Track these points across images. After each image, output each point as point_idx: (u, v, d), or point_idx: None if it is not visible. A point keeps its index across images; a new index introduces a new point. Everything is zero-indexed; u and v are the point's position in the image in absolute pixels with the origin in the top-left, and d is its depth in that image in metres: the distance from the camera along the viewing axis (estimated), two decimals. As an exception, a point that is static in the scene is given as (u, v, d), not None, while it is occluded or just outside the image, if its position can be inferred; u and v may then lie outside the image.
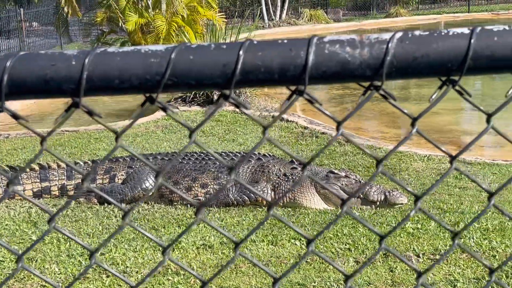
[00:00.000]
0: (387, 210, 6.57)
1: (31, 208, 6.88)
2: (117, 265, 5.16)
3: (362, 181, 7.13)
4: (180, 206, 6.91)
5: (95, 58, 1.00)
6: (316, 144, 9.96)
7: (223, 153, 7.59)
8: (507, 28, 1.01)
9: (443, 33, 1.01)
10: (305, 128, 11.07)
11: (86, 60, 0.99)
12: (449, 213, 6.23)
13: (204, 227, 6.03)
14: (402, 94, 15.58)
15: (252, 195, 6.94)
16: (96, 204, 7.15)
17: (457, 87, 1.03)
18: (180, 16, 16.43)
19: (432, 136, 11.28)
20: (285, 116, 12.28)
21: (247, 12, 25.55)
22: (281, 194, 7.00)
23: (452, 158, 1.14)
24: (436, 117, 11.96)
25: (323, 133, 10.63)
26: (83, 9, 19.24)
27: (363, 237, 5.51)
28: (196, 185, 7.19)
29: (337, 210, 6.67)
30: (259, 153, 7.67)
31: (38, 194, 7.58)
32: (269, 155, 7.63)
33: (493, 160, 8.91)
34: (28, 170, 7.62)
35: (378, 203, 6.77)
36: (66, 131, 10.95)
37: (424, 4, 34.83)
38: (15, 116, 1.00)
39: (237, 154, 7.54)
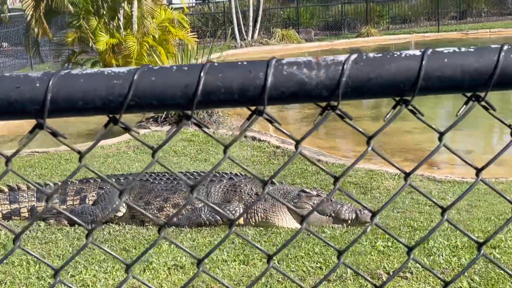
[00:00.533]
0: (359, 229, 6.62)
1: (0, 230, 6.81)
2: (88, 287, 5.13)
3: (333, 199, 7.18)
4: (151, 227, 6.89)
5: (59, 80, 1.02)
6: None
7: (195, 173, 7.59)
8: (456, 50, 1.06)
9: (395, 55, 1.05)
10: (277, 147, 11.13)
11: (50, 82, 1.02)
12: (419, 231, 6.30)
13: (174, 247, 6.02)
14: (373, 113, 15.73)
15: (225, 214, 6.95)
16: (67, 226, 7.10)
17: (410, 107, 1.07)
18: (152, 36, 16.46)
19: (404, 155, 11.40)
20: (257, 135, 12.33)
21: (219, 32, 25.64)
22: (253, 214, 7.01)
23: (406, 175, 1.17)
24: (407, 136, 12.09)
25: (294, 152, 10.68)
26: (53, 30, 19.17)
27: (334, 255, 5.54)
28: (168, 205, 7.18)
29: (309, 228, 6.69)
30: (231, 173, 7.68)
31: (8, 216, 7.51)
32: (241, 174, 7.65)
33: (462, 178, 9.02)
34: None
35: (349, 221, 6.82)
36: (36, 152, 10.87)
37: (394, 24, 35.25)
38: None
39: (204, 172, 7.55)
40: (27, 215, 7.53)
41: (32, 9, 16.43)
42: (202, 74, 1.04)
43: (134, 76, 1.03)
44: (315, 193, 7.13)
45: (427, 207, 7.47)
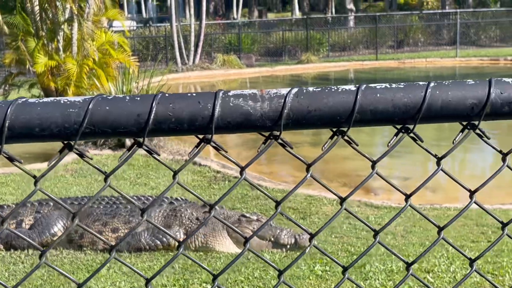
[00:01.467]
0: (297, 253, 6.72)
1: None
2: (25, 312, 5.06)
3: (273, 224, 7.27)
4: (89, 252, 6.83)
5: (17, 108, 1.08)
6: (228, 187, 10.06)
7: (135, 197, 7.58)
8: (388, 86, 1.16)
9: (333, 90, 1.14)
10: (218, 172, 11.18)
11: (8, 110, 1.07)
12: (356, 255, 6.43)
13: (114, 272, 5.99)
14: (312, 139, 15.97)
15: (165, 239, 6.95)
16: (2, 250, 6.97)
17: (346, 137, 1.16)
18: (92, 59, 16.36)
19: (343, 180, 11.61)
20: (198, 160, 12.37)
21: (160, 56, 25.63)
22: (194, 238, 7.04)
23: (342, 200, 1.26)
24: (346, 162, 12.33)
25: (235, 177, 10.76)
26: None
27: (273, 280, 5.62)
28: (107, 229, 7.13)
29: (248, 253, 6.76)
30: (171, 197, 7.69)
31: None
32: (182, 199, 7.67)
33: (399, 204, 9.26)
34: None
35: (288, 246, 6.92)
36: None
37: (334, 51, 35.94)
38: None
39: (149, 197, 7.55)
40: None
41: (-32, 29, 16.15)
42: (154, 104, 1.11)
43: (89, 105, 1.09)
44: (255, 217, 7.20)
45: (364, 232, 7.63)
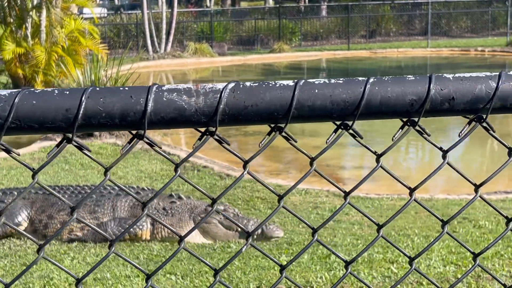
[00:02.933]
0: (264, 243, 6.70)
1: None
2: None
3: (240, 214, 7.25)
4: (54, 242, 6.75)
5: None
6: (197, 177, 10.01)
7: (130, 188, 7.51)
8: (327, 81, 1.13)
9: (270, 85, 1.11)
10: (187, 161, 11.12)
11: None
12: (322, 246, 6.44)
13: (78, 263, 5.93)
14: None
15: (132, 229, 6.89)
16: (-35, 240, 6.87)
17: (283, 134, 1.13)
18: (61, 46, 16.16)
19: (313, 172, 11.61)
20: (167, 149, 12.29)
21: (131, 44, 25.41)
22: (160, 229, 6.99)
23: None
24: (317, 151, 12.31)
25: (204, 166, 10.72)
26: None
27: (238, 270, 5.60)
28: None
29: (214, 243, 6.73)
30: (138, 187, 7.63)
31: None
32: (148, 188, 7.61)
33: (366, 194, 9.29)
34: None
35: (255, 236, 6.90)
36: None
37: (306, 40, 35.93)
38: None
39: (130, 188, 7.45)
40: None
41: None
42: (83, 98, 1.07)
43: (15, 99, 1.05)
44: (222, 208, 7.17)
45: (331, 222, 7.64)
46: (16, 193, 7.32)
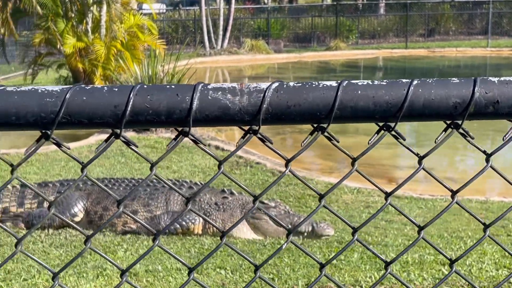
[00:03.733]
0: (314, 241, 6.70)
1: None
2: (40, 291, 5.13)
3: (291, 211, 7.26)
4: (108, 233, 6.89)
5: (-6, 96, 1.08)
6: (250, 173, 10.06)
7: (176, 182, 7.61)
8: (370, 82, 1.14)
9: (314, 85, 1.13)
10: (240, 157, 11.18)
11: (-15, 98, 1.07)
12: (373, 245, 6.40)
13: (131, 254, 6.04)
14: (339, 126, 15.90)
15: (184, 223, 6.98)
16: (23, 229, 7.07)
17: (326, 134, 1.14)
18: (120, 41, 16.43)
19: (366, 170, 11.53)
20: (221, 145, 12.39)
21: (187, 39, 25.66)
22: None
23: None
24: (373, 151, 12.23)
25: (257, 163, 10.76)
26: (19, 30, 19.00)
27: (287, 267, 5.62)
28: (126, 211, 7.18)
29: (265, 240, 6.76)
30: (190, 181, 7.71)
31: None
32: (201, 183, 7.69)
33: (420, 194, 9.18)
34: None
35: (305, 233, 6.90)
36: (-3, 153, 10.79)
37: (363, 38, 35.64)
38: None
39: (183, 183, 7.54)
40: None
41: (-1, 8, 16.31)
42: (131, 95, 1.10)
43: (67, 95, 1.09)
44: (273, 204, 7.20)
45: (383, 222, 7.59)
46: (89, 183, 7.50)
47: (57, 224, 7.10)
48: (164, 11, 38.04)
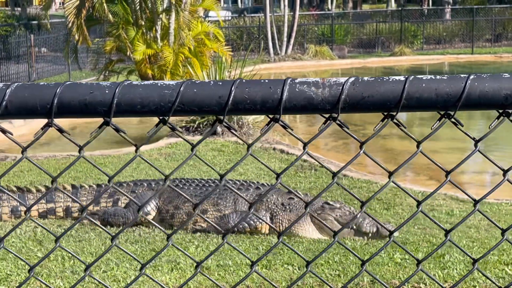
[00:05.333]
0: (378, 242, 6.85)
1: (36, 227, 7.18)
2: (119, 282, 5.46)
3: (355, 213, 7.42)
4: (180, 231, 7.20)
5: (123, 89, 1.33)
6: (314, 177, 10.25)
7: (237, 182, 7.87)
8: (433, 77, 1.35)
9: (384, 79, 1.34)
10: (305, 161, 11.37)
11: (117, 90, 1.32)
12: (437, 246, 6.51)
13: (202, 250, 6.32)
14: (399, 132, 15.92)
15: (252, 222, 7.23)
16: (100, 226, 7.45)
17: (395, 120, 1.36)
18: (187, 48, 16.88)
19: (430, 174, 11.57)
20: (285, 148, 12.62)
21: (251, 46, 26.02)
22: (278, 223, 7.30)
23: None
24: (434, 155, 12.28)
25: (322, 166, 10.94)
26: (92, 38, 19.70)
27: (353, 264, 5.80)
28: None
29: (330, 239, 6.95)
30: (257, 182, 7.97)
31: (43, 214, 7.88)
32: (268, 184, 7.94)
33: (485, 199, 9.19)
34: (34, 191, 7.94)
35: (370, 234, 7.06)
36: (72, 155, 11.29)
37: (428, 44, 35.36)
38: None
39: (252, 184, 7.79)
40: (62, 215, 7.89)
41: (74, 16, 16.95)
42: (233, 88, 1.34)
43: (181, 88, 1.34)
44: (338, 205, 7.38)
45: (448, 224, 7.66)
46: (146, 184, 7.86)
47: (131, 222, 7.45)
48: (230, 18, 38.60)
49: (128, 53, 17.50)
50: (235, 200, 7.50)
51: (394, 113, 1.35)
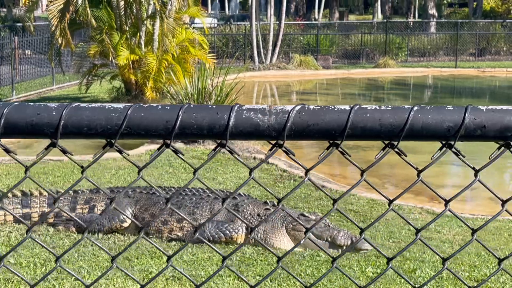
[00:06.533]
0: (352, 255, 6.88)
1: (10, 232, 7.14)
2: (89, 290, 5.44)
3: (331, 225, 7.45)
4: (155, 239, 7.19)
5: (70, 111, 1.34)
6: (293, 187, 10.28)
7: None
8: (377, 107, 1.37)
9: (330, 108, 1.36)
10: (284, 171, 11.41)
11: (64, 112, 1.33)
12: (410, 261, 6.55)
13: (175, 259, 6.31)
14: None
15: (228, 232, 7.24)
16: (74, 233, 7.42)
17: (339, 149, 1.37)
18: (171, 55, 16.88)
19: (405, 186, 11.60)
20: (270, 159, 12.66)
21: (237, 54, 26.05)
22: (253, 234, 7.31)
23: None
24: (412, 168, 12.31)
25: (301, 177, 10.97)
26: (75, 42, 19.65)
27: (325, 277, 5.82)
28: (172, 219, 7.47)
29: (304, 251, 6.97)
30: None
31: (18, 220, 7.83)
32: (244, 194, 7.95)
33: (461, 213, 9.26)
34: (10, 196, 7.89)
35: (344, 247, 7.08)
36: (51, 160, 11.24)
37: (413, 56, 35.56)
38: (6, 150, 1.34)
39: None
40: (37, 220, 7.84)
41: (58, 19, 16.89)
42: (180, 113, 1.35)
43: (128, 111, 1.35)
44: (313, 217, 7.40)
45: (422, 238, 7.71)
46: (137, 191, 7.86)
47: (106, 229, 7.43)
48: (216, 25, 38.64)
49: (110, 58, 17.48)
50: (211, 210, 7.50)
51: (339, 142, 1.37)
